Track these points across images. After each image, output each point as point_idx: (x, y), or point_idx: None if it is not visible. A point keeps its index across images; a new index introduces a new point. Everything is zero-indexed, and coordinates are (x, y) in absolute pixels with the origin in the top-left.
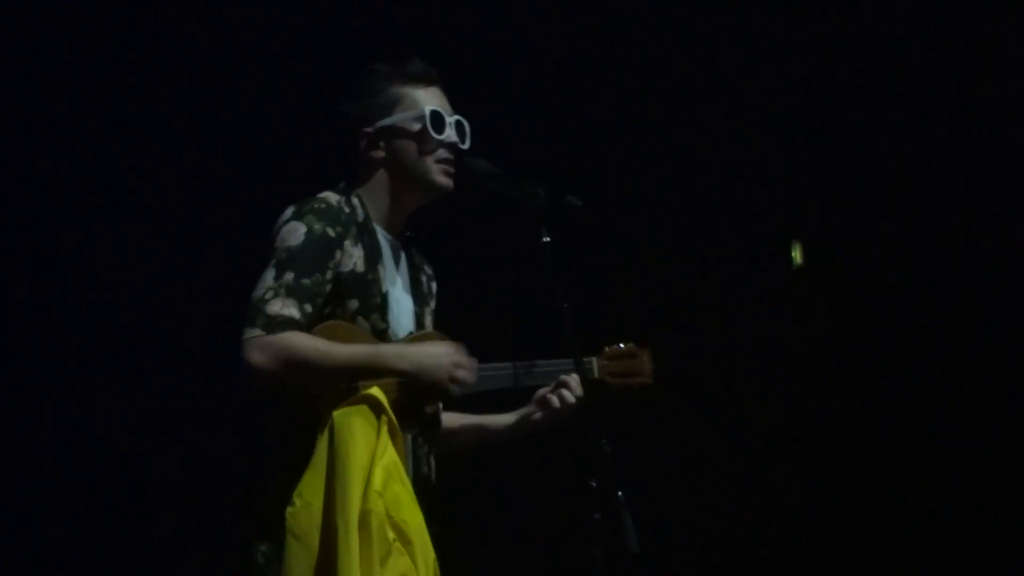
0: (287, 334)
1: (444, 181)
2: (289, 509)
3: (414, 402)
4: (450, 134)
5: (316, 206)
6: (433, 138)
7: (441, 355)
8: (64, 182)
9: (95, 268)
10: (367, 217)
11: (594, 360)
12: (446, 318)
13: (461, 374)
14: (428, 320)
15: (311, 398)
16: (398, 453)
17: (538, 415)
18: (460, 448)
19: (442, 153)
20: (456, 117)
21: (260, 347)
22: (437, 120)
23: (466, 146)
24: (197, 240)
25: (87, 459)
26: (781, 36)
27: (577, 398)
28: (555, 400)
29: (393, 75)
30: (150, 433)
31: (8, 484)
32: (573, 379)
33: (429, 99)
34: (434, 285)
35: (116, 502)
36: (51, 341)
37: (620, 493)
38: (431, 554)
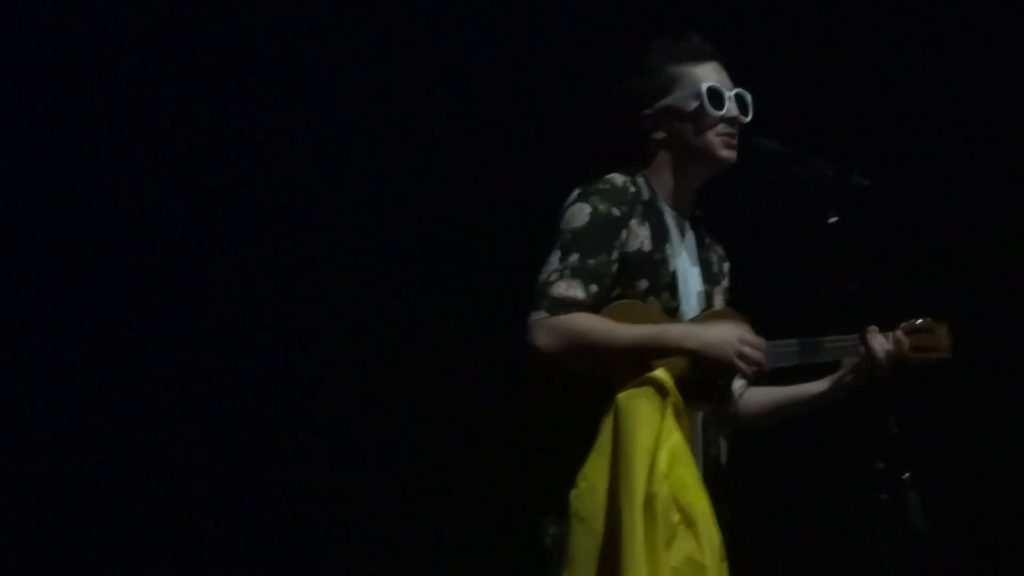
0: (573, 315)
1: (726, 154)
2: (574, 492)
3: (704, 381)
4: (730, 108)
5: (601, 187)
6: (712, 115)
7: (728, 334)
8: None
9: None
10: (653, 196)
11: (890, 334)
12: (736, 299)
13: (749, 352)
14: (718, 300)
15: (596, 380)
16: (684, 435)
17: (850, 377)
18: (763, 424)
19: (722, 128)
20: (737, 90)
21: (546, 329)
22: (715, 96)
23: (748, 119)
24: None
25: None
26: None
27: (887, 352)
28: (872, 348)
29: (669, 53)
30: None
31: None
32: (878, 338)
33: (706, 75)
34: (726, 265)
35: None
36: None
37: (907, 474)
38: (716, 537)
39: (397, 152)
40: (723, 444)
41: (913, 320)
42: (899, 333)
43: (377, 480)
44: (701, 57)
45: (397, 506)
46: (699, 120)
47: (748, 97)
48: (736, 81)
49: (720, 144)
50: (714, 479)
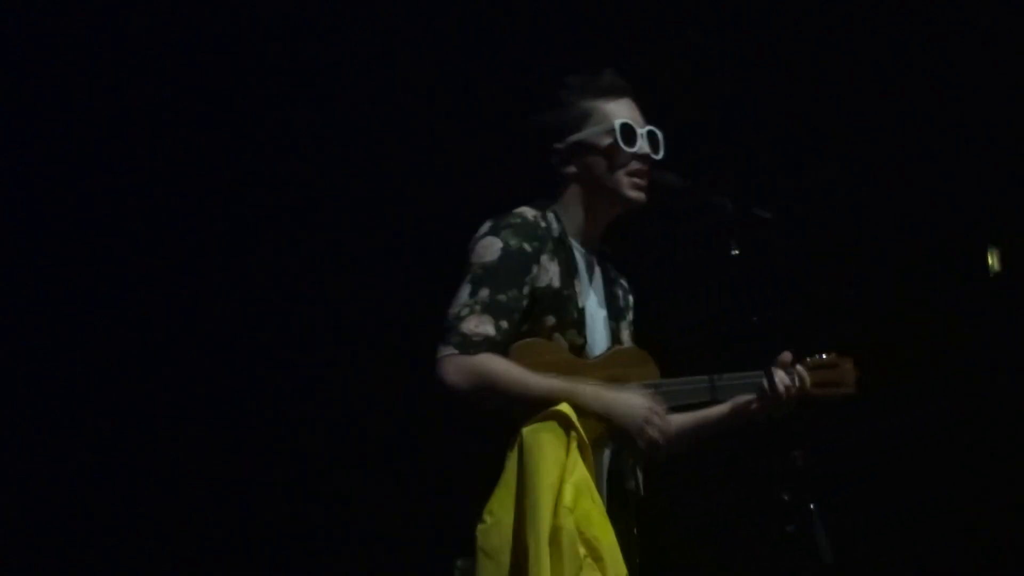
0: (483, 356)
1: (635, 195)
2: (480, 526)
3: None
4: (642, 145)
5: (512, 221)
6: (623, 151)
7: (637, 409)
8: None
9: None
10: (563, 232)
11: (794, 370)
12: (640, 332)
13: (652, 433)
14: (625, 335)
15: (501, 415)
16: (588, 469)
17: (754, 405)
18: (675, 451)
19: (634, 165)
20: (648, 128)
21: (455, 367)
22: (627, 133)
23: (660, 156)
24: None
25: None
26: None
27: (787, 388)
28: (774, 384)
29: (584, 89)
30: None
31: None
32: (780, 374)
33: (619, 111)
34: (631, 299)
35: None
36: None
37: (813, 506)
38: (623, 570)
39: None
40: (640, 475)
41: (817, 355)
42: (801, 369)
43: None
44: (615, 93)
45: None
46: (610, 156)
47: (659, 135)
48: (648, 119)
49: (629, 184)
50: (634, 511)
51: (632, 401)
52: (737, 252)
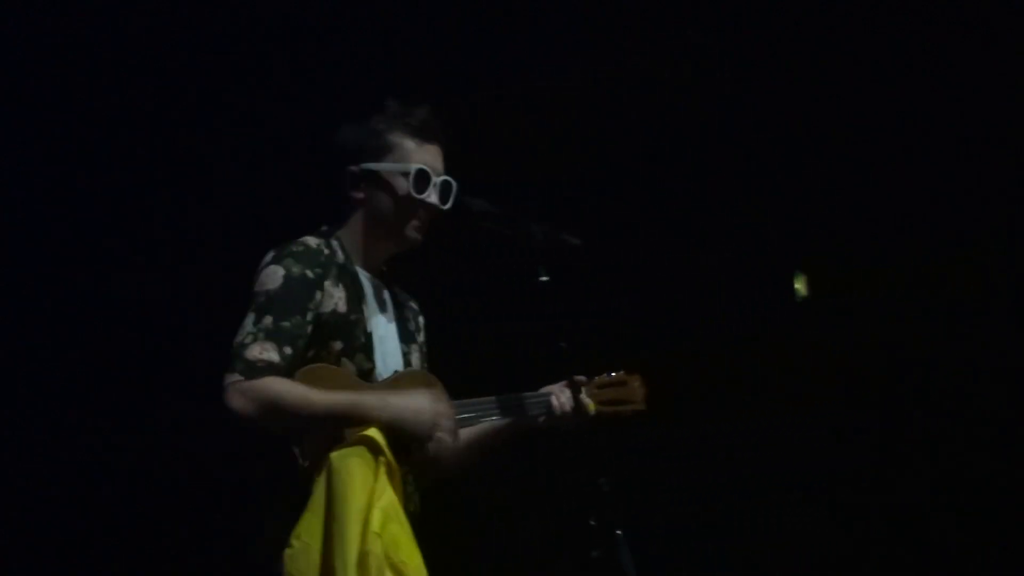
0: (266, 379)
1: (414, 236)
2: (287, 551)
3: (405, 441)
4: (431, 194)
5: (295, 249)
6: (412, 196)
7: (422, 408)
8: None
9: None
10: (348, 259)
11: (583, 390)
12: (438, 355)
13: (441, 431)
14: (415, 357)
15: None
16: (397, 493)
17: (542, 419)
18: (465, 464)
19: (418, 212)
20: (443, 178)
21: (240, 392)
22: (422, 179)
23: (447, 207)
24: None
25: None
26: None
27: (572, 407)
28: (554, 406)
29: (395, 120)
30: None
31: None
32: (564, 394)
33: (421, 155)
34: (421, 320)
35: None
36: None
37: (618, 531)
38: None
39: None
40: (417, 499)
41: (605, 374)
42: (590, 387)
43: None
44: (424, 136)
45: None
46: (399, 197)
47: (454, 186)
48: (448, 168)
49: (411, 228)
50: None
51: (418, 402)
52: (546, 278)
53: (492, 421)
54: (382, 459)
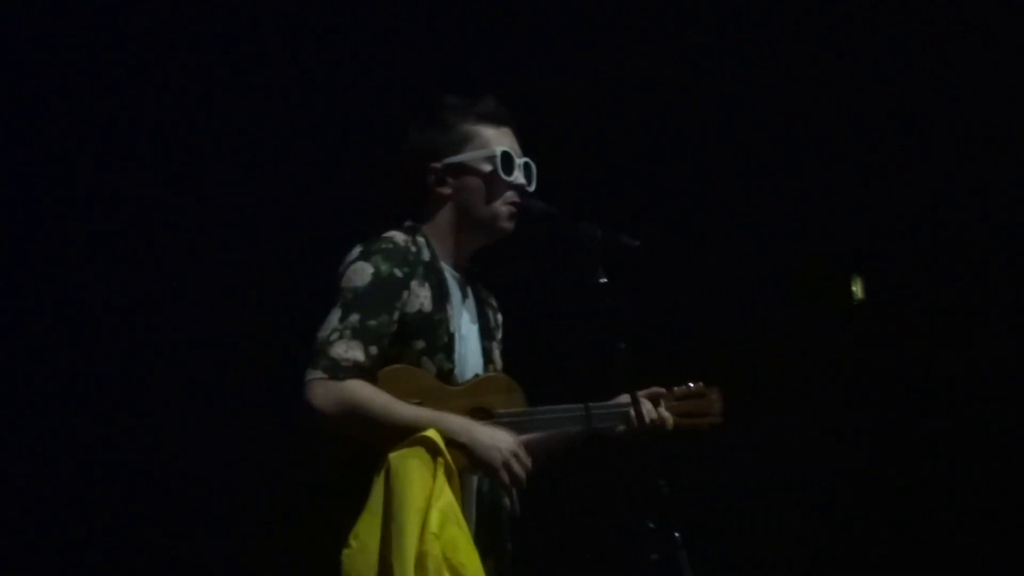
0: (351, 382)
1: (508, 225)
2: (345, 551)
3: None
4: (518, 176)
5: (383, 246)
6: (502, 180)
7: (501, 444)
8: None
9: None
10: (434, 256)
11: (662, 402)
12: (507, 356)
13: (515, 469)
14: (496, 354)
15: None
16: (455, 495)
17: (620, 430)
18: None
19: (510, 196)
20: (525, 159)
21: (323, 391)
22: (507, 162)
23: (532, 189)
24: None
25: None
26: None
27: (652, 421)
28: (641, 416)
29: (465, 111)
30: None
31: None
32: (646, 405)
33: (500, 139)
34: (500, 317)
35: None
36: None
37: (677, 534)
38: None
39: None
40: (515, 494)
41: (684, 385)
42: (669, 399)
43: None
44: (497, 121)
45: None
46: (488, 183)
47: (534, 167)
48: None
49: (505, 214)
50: (507, 530)
51: (497, 437)
52: (605, 280)
53: (571, 428)
54: (440, 460)
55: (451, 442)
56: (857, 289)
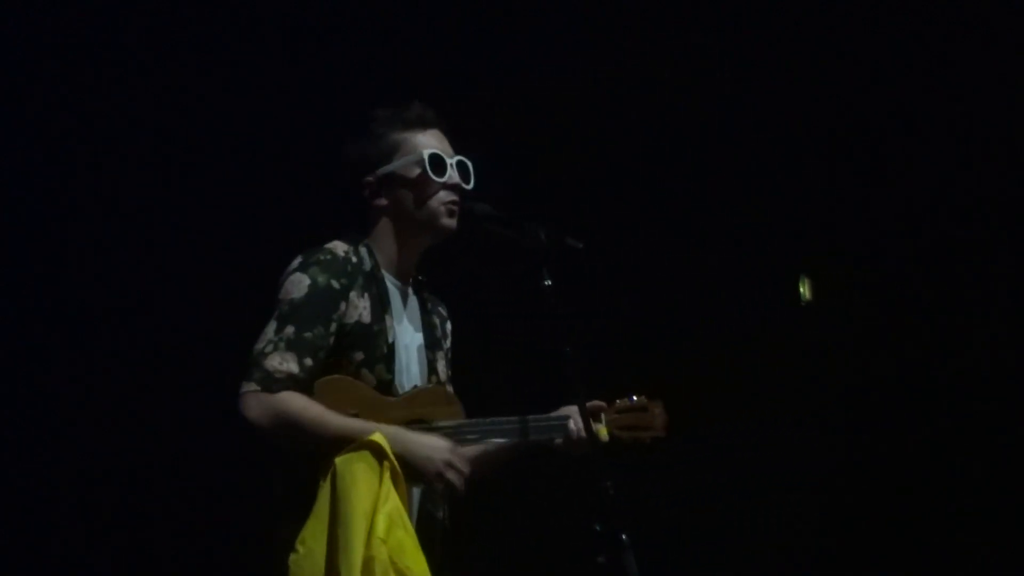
0: (284, 394)
1: (448, 222)
2: (292, 556)
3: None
4: (452, 175)
5: (322, 257)
6: (434, 181)
7: (436, 451)
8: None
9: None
10: (375, 266)
11: (603, 416)
12: (456, 361)
13: (450, 476)
14: (441, 365)
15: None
16: (402, 499)
17: (558, 442)
18: (480, 477)
19: (444, 195)
20: (458, 158)
21: (256, 403)
22: (436, 162)
23: (470, 186)
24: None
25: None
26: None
27: (580, 437)
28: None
29: (392, 121)
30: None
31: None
32: (577, 422)
33: (428, 142)
34: (448, 326)
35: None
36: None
37: (624, 536)
38: None
39: None
40: (446, 507)
41: (625, 399)
42: (609, 412)
43: None
44: (423, 125)
45: None
46: (421, 187)
47: (469, 164)
48: (456, 150)
49: (442, 212)
50: (440, 542)
51: (431, 445)
52: (549, 283)
53: (508, 440)
54: (386, 464)
55: None
56: (805, 290)
